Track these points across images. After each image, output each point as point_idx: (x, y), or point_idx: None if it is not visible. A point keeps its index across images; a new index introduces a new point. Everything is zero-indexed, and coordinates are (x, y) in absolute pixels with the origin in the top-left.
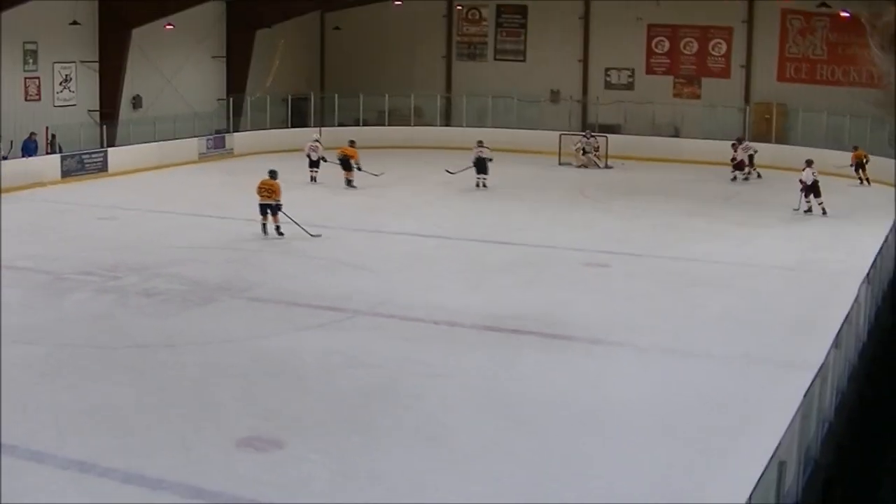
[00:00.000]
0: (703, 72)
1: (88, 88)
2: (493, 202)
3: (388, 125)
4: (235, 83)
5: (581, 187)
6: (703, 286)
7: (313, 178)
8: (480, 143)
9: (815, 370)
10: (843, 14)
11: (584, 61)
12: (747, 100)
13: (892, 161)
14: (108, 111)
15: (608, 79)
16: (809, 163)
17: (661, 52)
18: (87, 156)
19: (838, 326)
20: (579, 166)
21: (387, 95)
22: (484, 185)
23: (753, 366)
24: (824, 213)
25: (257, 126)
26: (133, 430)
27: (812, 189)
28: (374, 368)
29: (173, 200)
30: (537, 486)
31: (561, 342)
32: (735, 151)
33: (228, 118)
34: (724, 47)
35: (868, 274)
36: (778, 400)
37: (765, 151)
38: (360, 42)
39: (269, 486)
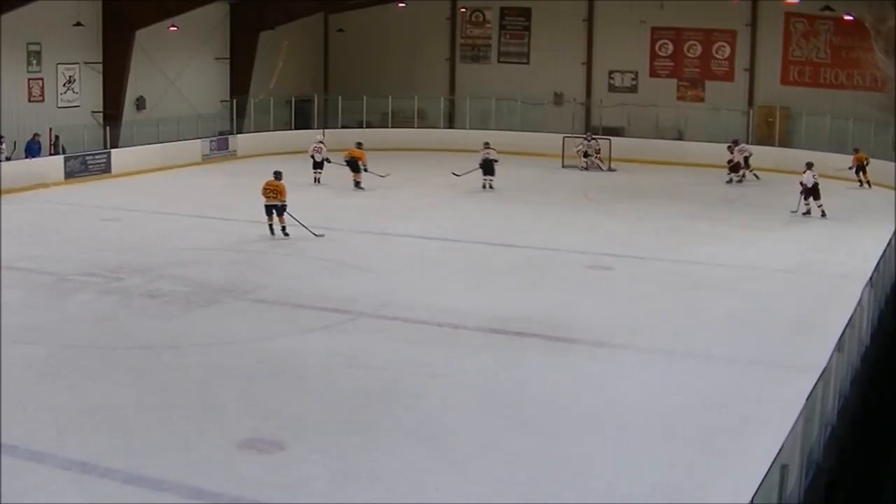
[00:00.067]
0: (707, 75)
1: (92, 90)
2: (497, 204)
3: (392, 127)
4: (239, 85)
5: (584, 190)
6: (705, 289)
7: (317, 180)
8: (487, 145)
9: (817, 372)
10: (847, 17)
11: (588, 64)
12: (751, 103)
13: (894, 164)
14: (111, 112)
15: (612, 81)
16: (810, 165)
17: (664, 54)
18: (91, 157)
19: (839, 328)
20: (583, 169)
21: (390, 97)
22: (490, 187)
23: (755, 367)
24: (823, 215)
25: (261, 128)
26: (134, 431)
27: (812, 191)
28: (375, 370)
29: (177, 202)
30: (538, 487)
31: (564, 344)
32: (731, 153)
33: (232, 120)
34: (727, 50)
35: (871, 277)
36: (779, 401)
37: (768, 155)
38: (364, 44)
39: (271, 486)
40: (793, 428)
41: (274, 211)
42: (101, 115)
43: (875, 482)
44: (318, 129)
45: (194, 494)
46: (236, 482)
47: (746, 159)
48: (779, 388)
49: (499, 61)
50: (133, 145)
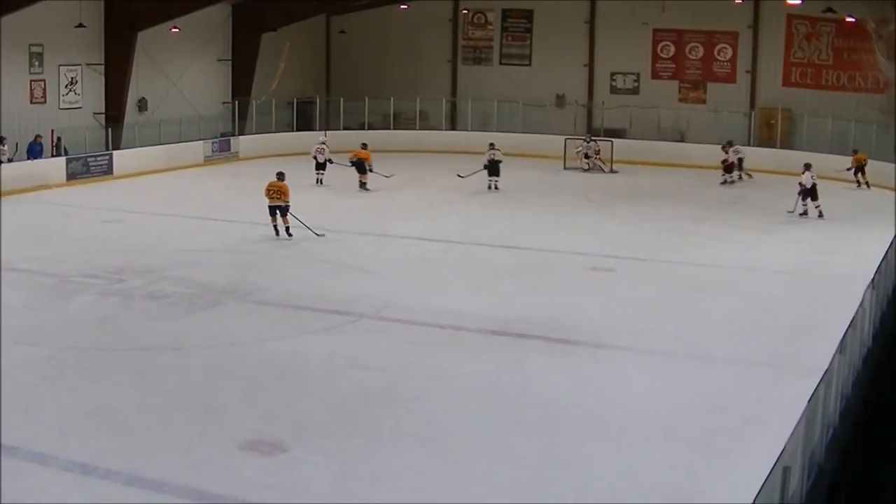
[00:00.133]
0: (709, 76)
1: (94, 91)
2: (499, 206)
3: (393, 129)
4: (241, 86)
5: (586, 192)
6: (707, 290)
7: (320, 181)
8: (493, 146)
9: (819, 373)
10: (849, 19)
11: (590, 66)
12: (752, 105)
13: (895, 166)
14: (113, 114)
15: (614, 83)
16: (808, 166)
17: (666, 56)
18: (93, 158)
19: (841, 330)
20: (584, 171)
21: (392, 99)
22: (496, 188)
23: (756, 369)
24: (820, 215)
25: (262, 129)
26: (136, 432)
27: (810, 192)
28: (377, 371)
29: (178, 203)
30: (539, 488)
31: (565, 346)
32: (726, 153)
33: (234, 121)
34: (729, 52)
35: (872, 279)
36: (781, 403)
37: (769, 156)
38: (366, 46)
39: (272, 488)
40: (794, 430)
41: (278, 211)
42: (103, 116)
43: (877, 484)
44: (319, 130)
45: (196, 496)
46: (238, 484)
47: (740, 160)
48: (780, 390)
49: (500, 63)
50: (135, 147)
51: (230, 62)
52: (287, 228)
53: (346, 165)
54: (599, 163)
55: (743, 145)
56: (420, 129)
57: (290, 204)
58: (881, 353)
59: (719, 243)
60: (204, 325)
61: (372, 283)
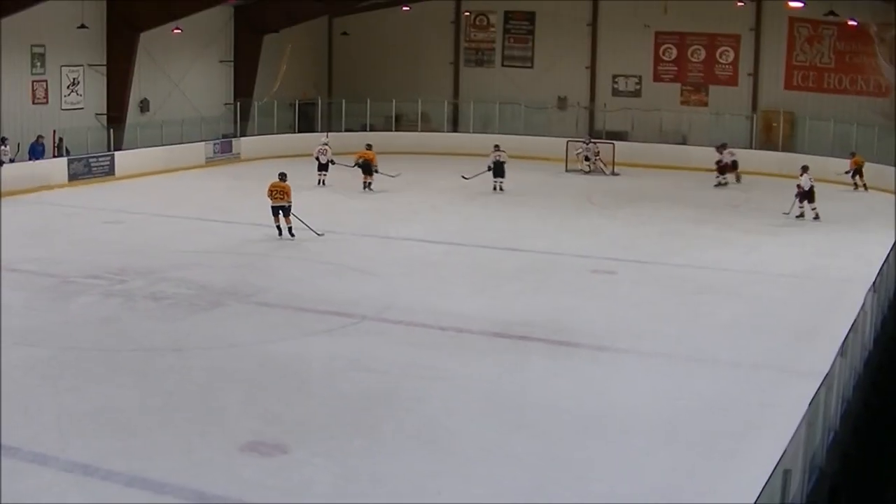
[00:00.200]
0: (711, 79)
1: (96, 92)
2: (501, 208)
3: (395, 131)
4: (243, 88)
5: (588, 194)
6: (709, 293)
7: (323, 182)
8: (497, 147)
9: (820, 377)
10: (851, 23)
11: (592, 68)
12: (754, 107)
13: (894, 169)
14: (115, 115)
15: (615, 86)
16: (805, 169)
17: (668, 59)
18: (95, 159)
19: (843, 333)
20: (586, 173)
21: (394, 101)
22: (501, 189)
23: (758, 372)
24: (817, 217)
25: (264, 131)
26: (137, 434)
27: (808, 195)
28: (378, 373)
29: (180, 204)
30: (539, 490)
31: (567, 348)
32: (721, 154)
33: (235, 122)
34: (731, 55)
35: (874, 282)
36: (782, 406)
37: (771, 159)
38: (368, 47)
39: (273, 489)
40: (796, 432)
41: (281, 212)
42: (105, 117)
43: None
44: (321, 132)
45: (196, 497)
46: (238, 485)
47: (734, 162)
48: (782, 393)
49: (503, 65)
50: (137, 148)
51: (232, 63)
52: (290, 229)
53: (348, 166)
54: (601, 164)
55: (745, 148)
56: (422, 130)
57: (292, 204)
58: (882, 357)
59: (721, 246)
60: (205, 326)
61: (373, 284)
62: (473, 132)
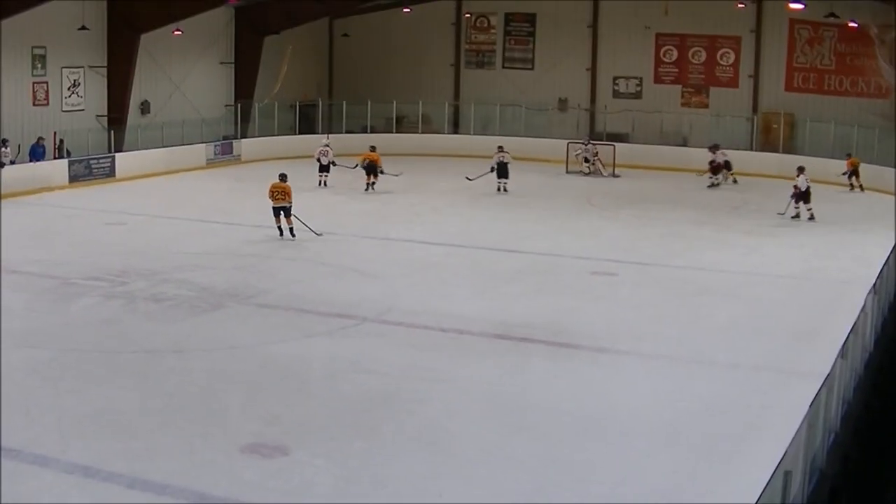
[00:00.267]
0: (711, 81)
1: (97, 93)
2: (502, 210)
3: (396, 132)
4: (243, 89)
5: (588, 196)
6: (709, 295)
7: (324, 183)
8: (501, 149)
9: (820, 378)
10: (852, 24)
11: (593, 70)
12: (755, 109)
13: (894, 170)
14: (116, 116)
15: (616, 87)
16: (802, 169)
17: (669, 61)
18: (95, 161)
19: (843, 335)
20: (585, 174)
21: (395, 102)
22: (505, 190)
23: (758, 373)
24: (812, 218)
25: (265, 132)
26: (138, 435)
27: (804, 195)
28: (379, 375)
29: (181, 206)
30: (540, 491)
31: (567, 350)
32: (714, 154)
33: (236, 124)
34: (732, 57)
35: (874, 284)
36: (782, 407)
37: (772, 161)
38: (369, 49)
39: (273, 491)
40: (796, 434)
41: (282, 212)
42: (106, 118)
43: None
44: (322, 133)
45: (197, 498)
46: (239, 486)
47: (727, 162)
48: (782, 395)
49: (503, 67)
50: (137, 149)
51: (233, 65)
52: (291, 229)
53: (349, 168)
54: (599, 166)
55: (745, 150)
56: (423, 132)
57: (292, 204)
58: (883, 358)
59: (721, 247)
60: (206, 327)
61: (374, 286)
62: (474, 134)
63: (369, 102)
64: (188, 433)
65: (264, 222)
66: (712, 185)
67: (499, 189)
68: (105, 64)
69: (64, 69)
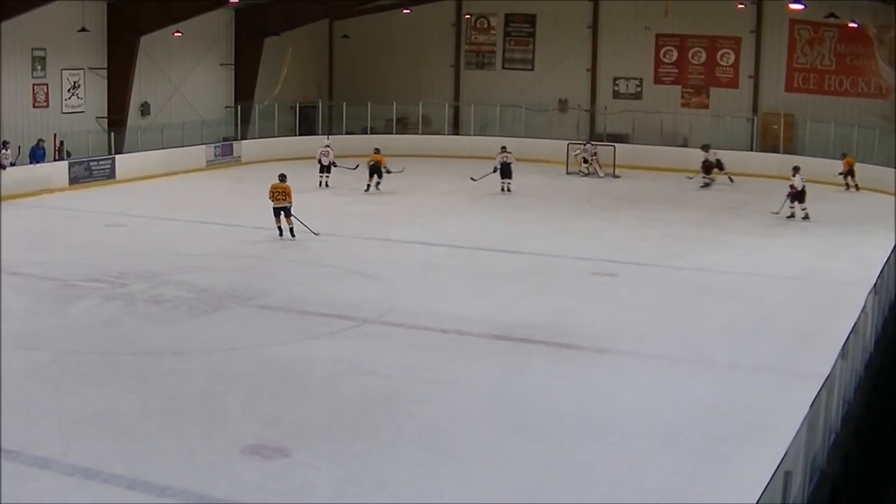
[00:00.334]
0: (712, 82)
1: (97, 95)
2: (502, 211)
3: (396, 133)
4: (243, 91)
5: (588, 196)
6: (709, 296)
7: (325, 184)
8: (504, 149)
9: (821, 379)
10: (851, 24)
11: (593, 70)
12: (755, 110)
13: (894, 171)
14: (116, 118)
15: (616, 88)
16: (797, 169)
17: (669, 61)
18: (95, 162)
19: (843, 335)
20: (583, 175)
21: (395, 104)
22: (509, 189)
23: (759, 374)
24: (806, 217)
25: (265, 134)
26: (138, 437)
27: (799, 195)
28: (379, 376)
29: (181, 208)
30: (540, 492)
31: (568, 351)
32: (706, 152)
33: (236, 125)
34: (732, 57)
35: (875, 284)
36: (783, 408)
37: (772, 161)
38: (369, 50)
39: (274, 492)
40: (796, 434)
41: (282, 212)
42: (106, 120)
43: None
44: (322, 135)
45: (198, 500)
46: (240, 488)
47: (718, 161)
48: (782, 395)
49: (503, 68)
50: (137, 151)
51: (233, 66)
52: (291, 229)
53: (349, 168)
54: (595, 166)
55: (745, 150)
56: (423, 133)
57: (292, 204)
58: (883, 359)
59: (721, 248)
60: (206, 329)
61: (375, 287)
62: (474, 135)
63: (369, 104)
64: (188, 435)
65: (264, 224)
66: (705, 185)
67: (503, 189)
68: (105, 66)
69: (64, 71)
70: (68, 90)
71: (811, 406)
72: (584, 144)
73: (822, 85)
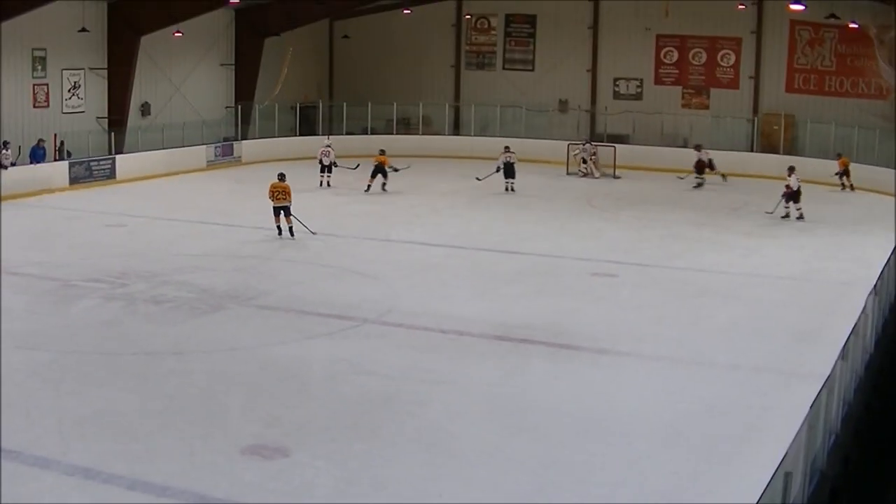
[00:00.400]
0: (712, 82)
1: (97, 95)
2: (502, 211)
3: (397, 134)
4: (244, 91)
5: (589, 197)
6: (709, 296)
7: (327, 183)
8: (507, 149)
9: (821, 380)
10: (852, 25)
11: (593, 71)
12: (756, 110)
13: (894, 172)
14: (116, 118)
15: (617, 89)
16: (792, 169)
17: (669, 62)
18: (96, 163)
19: (843, 336)
20: (581, 175)
21: (395, 104)
22: (512, 189)
23: (759, 375)
24: (801, 217)
25: (265, 134)
26: (138, 437)
27: (794, 195)
28: (379, 376)
29: (181, 208)
30: (540, 493)
31: (568, 351)
32: (699, 152)
33: (237, 126)
34: (732, 58)
35: (875, 285)
36: (783, 409)
37: (772, 162)
38: (369, 50)
39: (274, 492)
40: (796, 435)
41: (282, 212)
42: (106, 120)
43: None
44: (322, 135)
45: (198, 500)
46: (240, 488)
47: (710, 160)
48: (782, 396)
49: (504, 68)
50: (138, 151)
51: (233, 66)
52: (290, 228)
53: (350, 168)
54: (592, 166)
55: (746, 151)
56: (423, 133)
57: (292, 203)
58: (883, 359)
59: (721, 249)
60: (206, 329)
61: (374, 287)
62: (474, 135)
63: (370, 104)
64: (188, 435)
65: (264, 224)
66: (698, 185)
67: (506, 189)
68: (105, 66)
69: (64, 71)
70: (69, 90)
71: (811, 407)
72: (583, 144)
73: (822, 86)
